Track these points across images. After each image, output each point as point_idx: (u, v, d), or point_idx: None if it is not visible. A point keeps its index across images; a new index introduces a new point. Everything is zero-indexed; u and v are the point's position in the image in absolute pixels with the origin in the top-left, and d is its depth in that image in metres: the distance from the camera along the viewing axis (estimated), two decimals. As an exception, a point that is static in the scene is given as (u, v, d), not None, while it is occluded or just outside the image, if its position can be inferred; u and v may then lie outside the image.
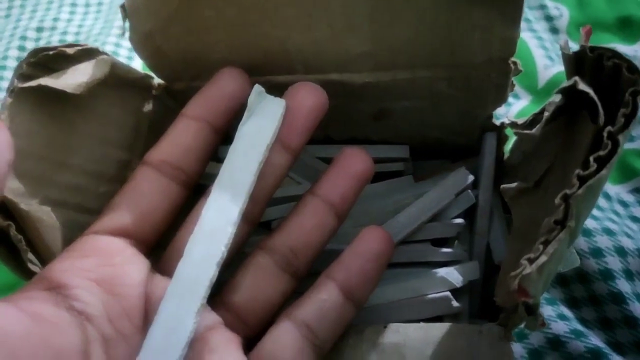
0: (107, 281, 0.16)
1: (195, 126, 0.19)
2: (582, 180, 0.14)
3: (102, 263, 0.17)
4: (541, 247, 0.14)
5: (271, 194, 0.20)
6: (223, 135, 0.20)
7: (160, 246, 0.19)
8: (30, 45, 0.38)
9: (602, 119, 0.15)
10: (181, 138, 0.19)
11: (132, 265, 0.17)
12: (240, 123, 0.19)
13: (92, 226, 0.18)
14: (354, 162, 0.20)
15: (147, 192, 0.19)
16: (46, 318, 0.15)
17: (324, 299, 0.18)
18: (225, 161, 0.19)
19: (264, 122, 0.19)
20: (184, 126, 0.20)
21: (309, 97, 0.20)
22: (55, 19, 0.40)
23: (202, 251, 0.17)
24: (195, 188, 0.20)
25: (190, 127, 0.20)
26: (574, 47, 0.16)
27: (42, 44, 0.38)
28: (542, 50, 0.35)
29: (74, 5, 0.41)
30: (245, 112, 0.19)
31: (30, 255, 0.18)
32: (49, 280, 0.16)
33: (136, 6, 0.20)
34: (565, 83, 0.15)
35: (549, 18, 0.37)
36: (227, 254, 0.17)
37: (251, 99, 0.19)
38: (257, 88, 0.20)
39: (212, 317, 0.18)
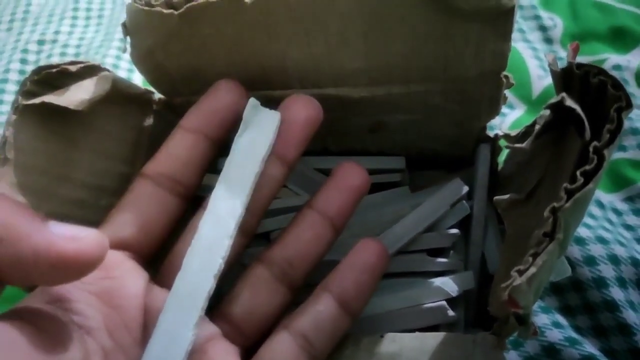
0: (107, 294, 0.17)
1: (192, 138, 0.20)
2: (570, 193, 0.14)
3: (102, 276, 0.17)
4: (530, 259, 0.14)
5: (267, 205, 0.20)
6: (220, 146, 0.21)
7: (158, 258, 0.20)
8: (32, 58, 0.38)
9: (588, 134, 0.15)
10: (178, 150, 0.20)
11: (131, 277, 0.18)
12: (236, 136, 0.20)
13: None
14: (350, 176, 0.20)
15: (144, 204, 0.19)
16: (48, 331, 0.15)
17: (320, 310, 0.18)
18: (222, 174, 0.19)
19: (259, 134, 0.19)
20: (180, 138, 0.20)
21: (304, 109, 0.20)
22: (57, 32, 0.40)
23: (199, 264, 0.17)
24: (192, 199, 0.20)
25: (186, 139, 0.20)
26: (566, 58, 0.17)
27: (43, 57, 0.38)
28: (536, 60, 0.36)
29: (74, 18, 0.41)
30: (241, 125, 0.20)
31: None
32: (50, 294, 0.16)
33: (137, 23, 0.21)
34: (553, 99, 0.16)
35: (543, 28, 0.38)
36: (224, 265, 0.18)
37: (247, 111, 0.20)
38: (252, 101, 0.20)
39: (211, 329, 0.18)
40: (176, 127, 0.20)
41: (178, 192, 0.19)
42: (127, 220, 0.19)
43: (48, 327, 0.15)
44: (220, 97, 0.20)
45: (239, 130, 0.20)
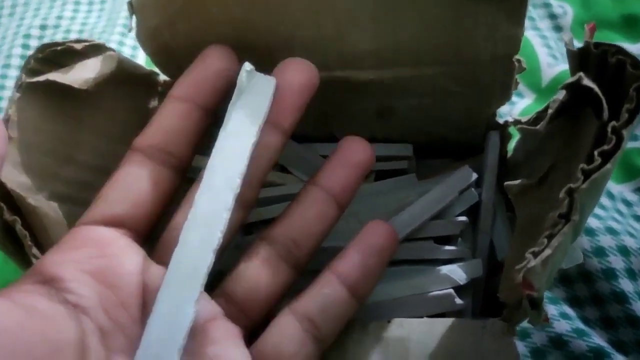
0: (102, 272, 0.16)
1: (183, 108, 0.19)
2: (587, 174, 0.14)
3: (96, 254, 0.17)
4: (545, 240, 0.14)
5: (265, 175, 0.19)
6: (212, 115, 0.20)
7: (155, 233, 0.19)
8: (34, 44, 0.38)
9: (606, 114, 0.15)
10: (168, 121, 0.19)
11: (127, 255, 0.17)
12: (230, 103, 0.18)
13: (83, 217, 0.18)
14: (354, 151, 0.20)
15: (136, 178, 0.18)
16: (41, 311, 0.14)
17: (327, 293, 0.18)
18: (216, 144, 0.18)
19: (254, 101, 0.18)
20: (171, 108, 0.19)
21: (299, 74, 0.19)
22: (59, 17, 0.40)
23: (197, 238, 0.17)
24: (186, 171, 0.20)
25: (177, 109, 0.19)
26: (578, 45, 0.17)
27: (45, 41, 0.38)
28: (546, 48, 0.35)
29: (77, 3, 0.41)
30: (235, 91, 0.19)
31: (35, 251, 0.18)
32: (43, 274, 0.16)
33: (143, 2, 0.20)
34: (570, 79, 0.15)
35: (552, 16, 0.37)
36: (223, 240, 0.17)
37: (241, 77, 0.18)
38: (247, 66, 0.19)
39: (213, 308, 0.17)
40: (167, 96, 0.19)
41: (171, 164, 0.19)
42: (119, 196, 0.18)
43: (41, 308, 0.15)
44: (210, 63, 0.19)
45: (233, 97, 0.18)
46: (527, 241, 0.17)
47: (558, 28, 0.37)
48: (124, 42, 0.38)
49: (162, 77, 0.24)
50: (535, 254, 0.14)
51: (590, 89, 0.15)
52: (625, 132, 0.14)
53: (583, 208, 0.14)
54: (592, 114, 0.16)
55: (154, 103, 0.23)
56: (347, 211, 0.20)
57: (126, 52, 0.37)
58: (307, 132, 0.25)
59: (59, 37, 0.39)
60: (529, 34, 0.36)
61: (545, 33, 0.36)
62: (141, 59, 0.36)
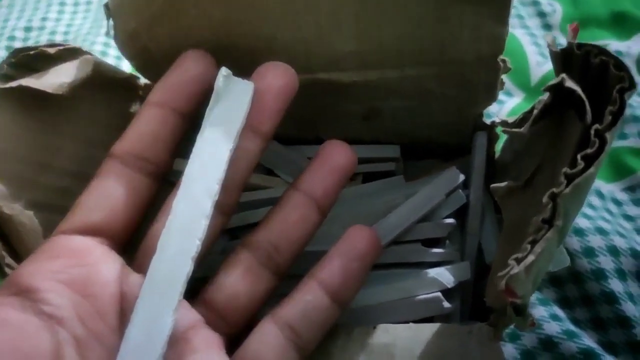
0: (78, 282, 0.16)
1: (159, 113, 0.19)
2: (570, 178, 0.14)
3: (72, 264, 0.16)
4: (529, 246, 0.14)
5: (245, 180, 0.19)
6: (190, 120, 0.19)
7: (134, 241, 0.19)
8: (18, 45, 0.37)
9: (589, 116, 0.14)
10: (145, 127, 0.19)
11: (104, 264, 0.17)
12: (208, 108, 0.18)
13: (59, 226, 0.18)
14: (335, 155, 0.19)
15: (113, 186, 0.18)
16: (13, 323, 0.14)
17: (307, 300, 0.18)
18: (194, 150, 0.18)
19: (232, 106, 0.18)
20: (147, 114, 0.19)
21: (278, 77, 0.19)
22: (44, 19, 0.39)
23: (175, 246, 0.17)
24: (164, 178, 0.19)
25: (154, 115, 0.19)
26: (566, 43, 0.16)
27: (30, 43, 0.38)
28: (535, 47, 0.35)
29: (62, 4, 0.41)
30: (212, 97, 0.18)
31: (9, 260, 0.18)
32: (18, 285, 0.15)
33: (120, 5, 0.20)
34: (553, 81, 0.15)
35: (542, 14, 0.37)
36: (202, 247, 0.17)
37: (218, 82, 0.18)
38: (224, 71, 0.19)
39: (193, 316, 0.17)
40: (144, 102, 0.19)
41: (148, 171, 0.18)
42: (96, 204, 0.18)
43: (13, 320, 0.14)
44: (187, 68, 0.19)
45: (211, 102, 0.18)
46: (513, 245, 0.16)
47: (547, 26, 0.36)
48: (109, 43, 0.37)
49: (143, 81, 0.23)
50: (519, 261, 0.14)
51: (573, 91, 0.14)
52: (608, 135, 0.14)
53: (567, 212, 0.14)
54: (576, 116, 0.15)
55: (135, 107, 0.23)
56: (333, 214, 0.20)
57: (112, 53, 0.37)
58: (293, 134, 0.25)
59: (43, 39, 0.38)
60: (517, 32, 0.36)
61: (534, 31, 0.36)
62: (127, 61, 0.35)
